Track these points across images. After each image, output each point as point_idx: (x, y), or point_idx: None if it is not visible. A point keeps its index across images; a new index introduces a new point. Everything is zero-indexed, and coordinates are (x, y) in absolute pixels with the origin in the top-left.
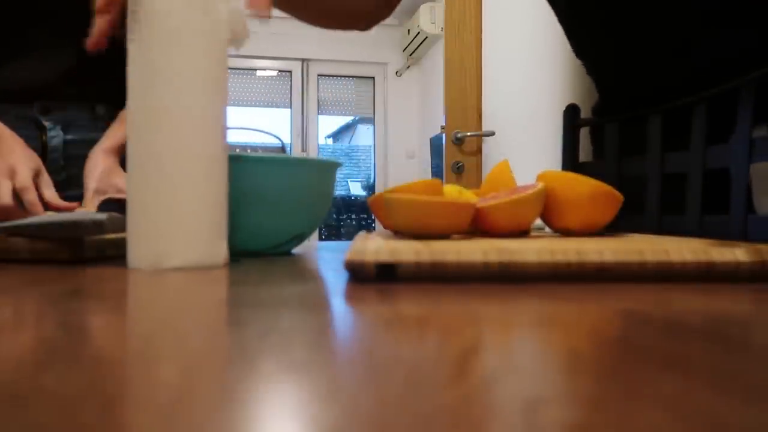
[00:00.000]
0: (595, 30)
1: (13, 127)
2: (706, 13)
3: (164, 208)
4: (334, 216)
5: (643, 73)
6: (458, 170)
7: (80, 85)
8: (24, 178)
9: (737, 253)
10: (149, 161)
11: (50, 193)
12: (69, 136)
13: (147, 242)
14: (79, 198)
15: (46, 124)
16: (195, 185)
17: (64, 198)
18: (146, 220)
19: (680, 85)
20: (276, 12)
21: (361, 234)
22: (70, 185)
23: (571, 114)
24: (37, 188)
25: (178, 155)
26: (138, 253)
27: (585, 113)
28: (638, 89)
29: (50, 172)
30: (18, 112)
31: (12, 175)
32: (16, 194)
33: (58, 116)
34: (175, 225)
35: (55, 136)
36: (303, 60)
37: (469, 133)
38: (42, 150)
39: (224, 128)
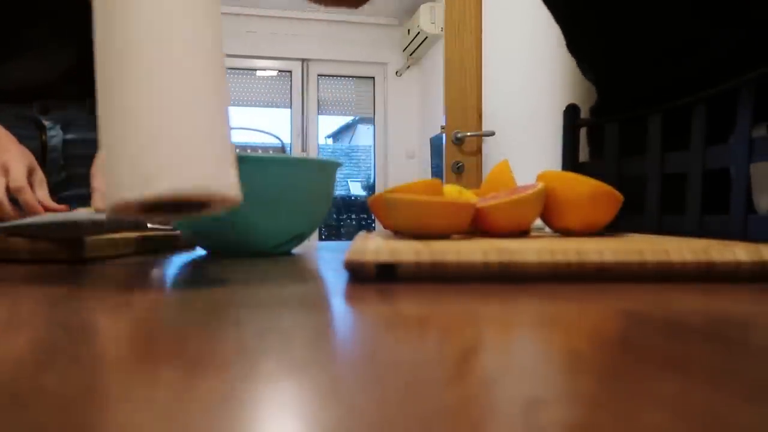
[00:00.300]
0: (591, 30)
1: (13, 127)
2: (703, 12)
3: (152, 115)
4: (334, 216)
5: (641, 73)
6: (458, 170)
7: (80, 84)
8: (18, 177)
9: (737, 253)
10: (128, 59)
11: (42, 194)
12: (69, 136)
13: (131, 163)
14: (79, 197)
15: (46, 123)
16: (191, 86)
17: (63, 198)
18: (128, 133)
19: (679, 85)
20: (276, 12)
21: (361, 234)
22: (70, 185)
23: (571, 114)
24: (31, 187)
25: (166, 55)
26: (120, 179)
27: (585, 113)
28: (637, 89)
29: (50, 172)
30: (17, 112)
31: (5, 174)
32: (11, 194)
33: (57, 115)
34: (168, 136)
35: (55, 135)
36: (303, 60)
37: (469, 133)
38: (42, 149)
39: (220, 29)
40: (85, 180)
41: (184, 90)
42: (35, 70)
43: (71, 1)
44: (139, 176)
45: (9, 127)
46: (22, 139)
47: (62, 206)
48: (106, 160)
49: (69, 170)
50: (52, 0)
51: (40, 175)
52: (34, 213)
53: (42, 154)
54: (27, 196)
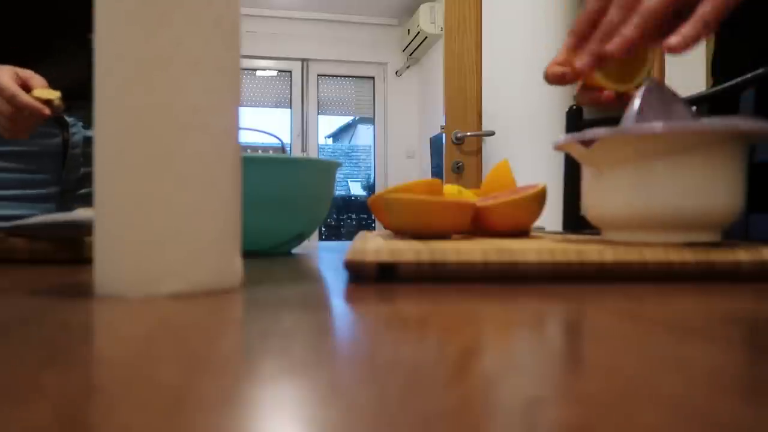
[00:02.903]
0: None
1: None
2: None
3: (158, 214)
4: (334, 216)
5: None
6: (458, 170)
7: None
8: (7, 86)
9: (737, 253)
10: (136, 153)
11: (34, 76)
12: (89, 133)
13: (133, 259)
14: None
15: (69, 120)
16: (202, 183)
17: (78, 196)
18: (131, 231)
19: None
20: (276, 12)
21: (361, 234)
22: (86, 183)
23: (574, 115)
24: (26, 84)
25: (175, 145)
26: (117, 274)
27: (587, 114)
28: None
29: (70, 169)
30: None
31: None
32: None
33: (79, 113)
34: (179, 234)
35: (76, 132)
36: (303, 60)
37: (469, 133)
38: (63, 146)
39: (236, 106)
40: None
41: (201, 179)
42: (60, 75)
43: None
44: (140, 274)
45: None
46: (44, 136)
47: (54, 98)
48: (97, 243)
49: (86, 167)
50: (79, 11)
51: (23, 71)
52: (34, 111)
53: (63, 150)
54: (21, 99)
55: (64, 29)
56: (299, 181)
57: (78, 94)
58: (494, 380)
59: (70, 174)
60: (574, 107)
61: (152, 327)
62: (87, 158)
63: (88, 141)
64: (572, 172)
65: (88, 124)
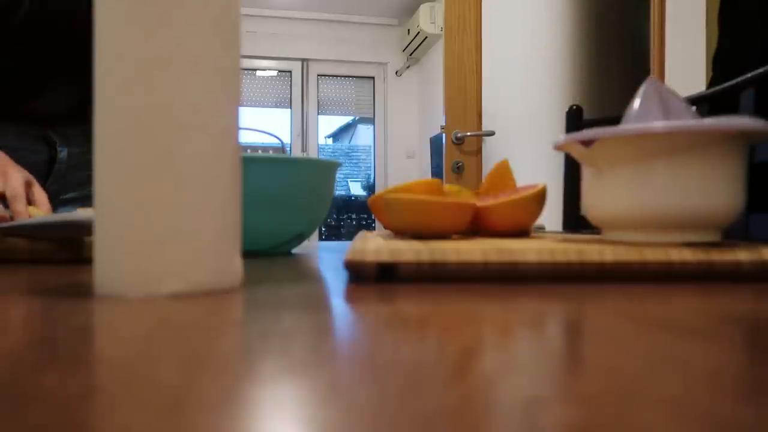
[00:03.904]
0: None
1: (20, 142)
2: None
3: (158, 214)
4: (334, 216)
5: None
6: (458, 170)
7: (83, 111)
8: (15, 186)
9: (737, 253)
10: (135, 153)
11: (43, 202)
12: (72, 149)
13: (132, 259)
14: (73, 200)
15: (56, 139)
16: (202, 183)
17: (61, 201)
18: (132, 224)
19: None
20: (276, 12)
21: (361, 234)
22: (66, 190)
23: (574, 115)
24: (29, 199)
25: (175, 145)
26: (117, 274)
27: (587, 113)
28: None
29: (53, 181)
30: (23, 129)
31: (4, 182)
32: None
33: (63, 132)
34: (175, 235)
35: (62, 150)
36: (303, 60)
37: (469, 133)
38: (50, 162)
39: (236, 106)
40: (78, 185)
41: (201, 179)
42: (49, 106)
43: (84, 49)
44: (140, 274)
45: (23, 145)
46: (32, 153)
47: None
48: (97, 243)
49: (67, 178)
50: (72, 55)
51: (38, 188)
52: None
53: (49, 166)
54: (19, 206)
55: (56, 72)
56: (299, 181)
57: (64, 121)
58: (494, 380)
59: (53, 186)
60: (574, 107)
61: (152, 327)
62: (69, 169)
63: (71, 156)
64: (572, 172)
65: (70, 142)
